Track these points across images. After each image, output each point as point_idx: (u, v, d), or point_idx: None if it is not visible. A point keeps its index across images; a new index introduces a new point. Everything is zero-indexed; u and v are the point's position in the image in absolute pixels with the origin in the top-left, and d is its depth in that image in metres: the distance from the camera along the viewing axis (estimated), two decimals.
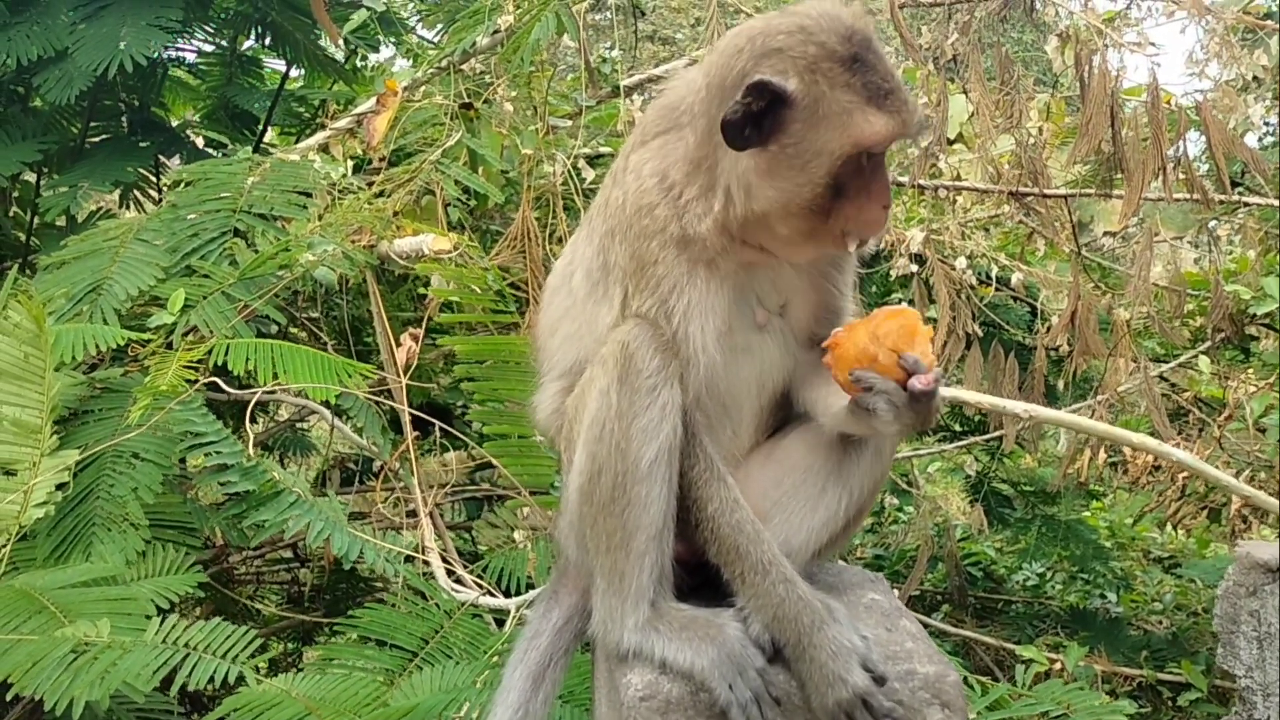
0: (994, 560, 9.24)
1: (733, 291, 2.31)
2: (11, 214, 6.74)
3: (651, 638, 2.19)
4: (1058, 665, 5.84)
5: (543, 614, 2.55)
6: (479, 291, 3.92)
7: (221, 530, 4.60)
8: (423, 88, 4.91)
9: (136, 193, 6.44)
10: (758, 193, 2.24)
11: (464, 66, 4.97)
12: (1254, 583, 2.70)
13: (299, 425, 7.03)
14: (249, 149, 5.31)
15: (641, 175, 2.32)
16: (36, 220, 6.46)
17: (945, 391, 4.90)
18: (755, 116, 2.19)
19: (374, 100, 4.84)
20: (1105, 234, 9.08)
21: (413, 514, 4.61)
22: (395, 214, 4.55)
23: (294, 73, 7.00)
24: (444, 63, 4.97)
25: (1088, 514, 9.42)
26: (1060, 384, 7.54)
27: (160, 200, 6.40)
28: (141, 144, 6.20)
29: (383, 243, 4.50)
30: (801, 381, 2.36)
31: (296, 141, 6.73)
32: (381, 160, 4.74)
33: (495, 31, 4.89)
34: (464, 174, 4.50)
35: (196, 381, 3.84)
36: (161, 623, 3.18)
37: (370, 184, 4.75)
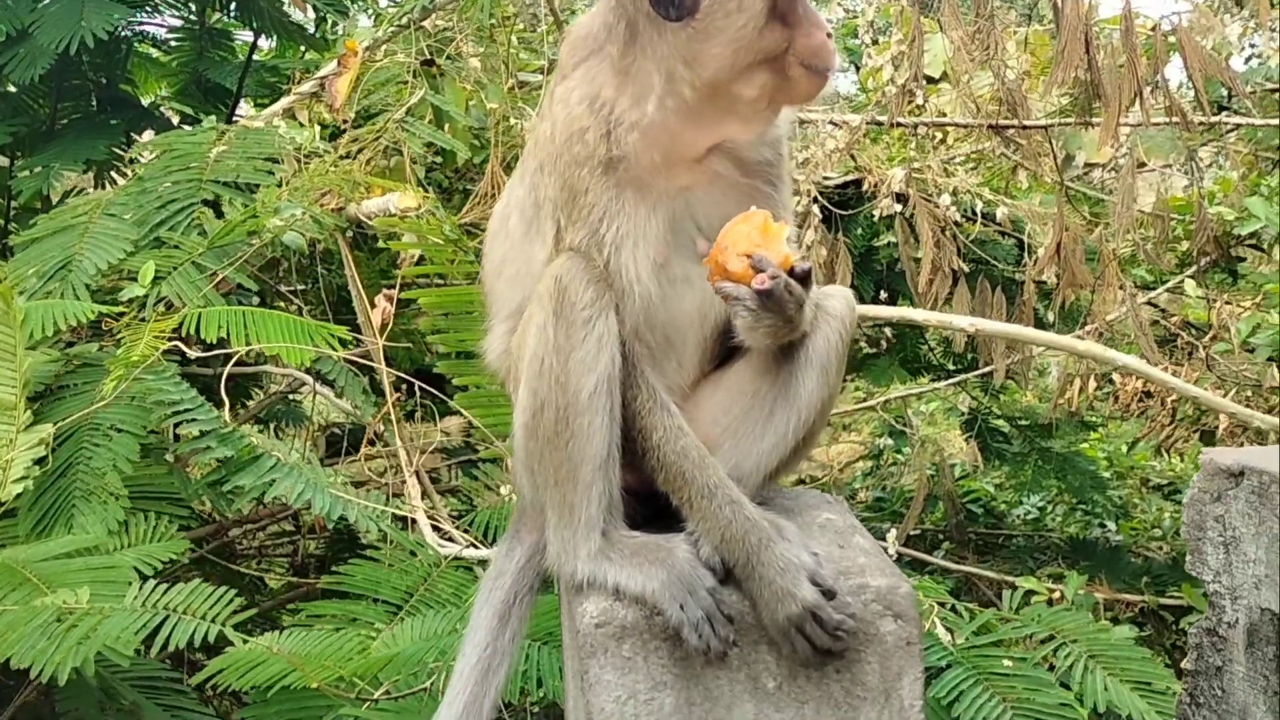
0: (993, 496, 9.28)
1: (667, 219, 2.30)
2: None
3: (604, 565, 2.20)
4: (1058, 594, 5.88)
5: (505, 553, 2.56)
6: (440, 244, 3.92)
7: (210, 501, 4.63)
8: (384, 47, 4.89)
9: (112, 172, 6.44)
10: (705, 58, 2.24)
11: (425, 23, 4.94)
12: (1218, 489, 2.70)
13: (291, 397, 7.06)
14: (219, 120, 5.29)
15: (569, 103, 2.31)
16: (12, 205, 6.46)
17: (890, 312, 4.85)
18: None
19: (335, 62, 4.81)
20: (1089, 165, 9.02)
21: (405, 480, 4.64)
22: (364, 175, 4.54)
23: (265, 44, 6.96)
24: (404, 20, 4.94)
25: (1085, 445, 9.43)
26: (1050, 316, 7.53)
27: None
28: (111, 122, 6.18)
29: (351, 205, 4.49)
30: None
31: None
32: (345, 122, 4.72)
33: None
34: (429, 131, 4.49)
35: (169, 351, 3.86)
36: (141, 587, 3.21)
37: (337, 147, 4.73)
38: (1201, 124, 6.80)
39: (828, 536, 2.32)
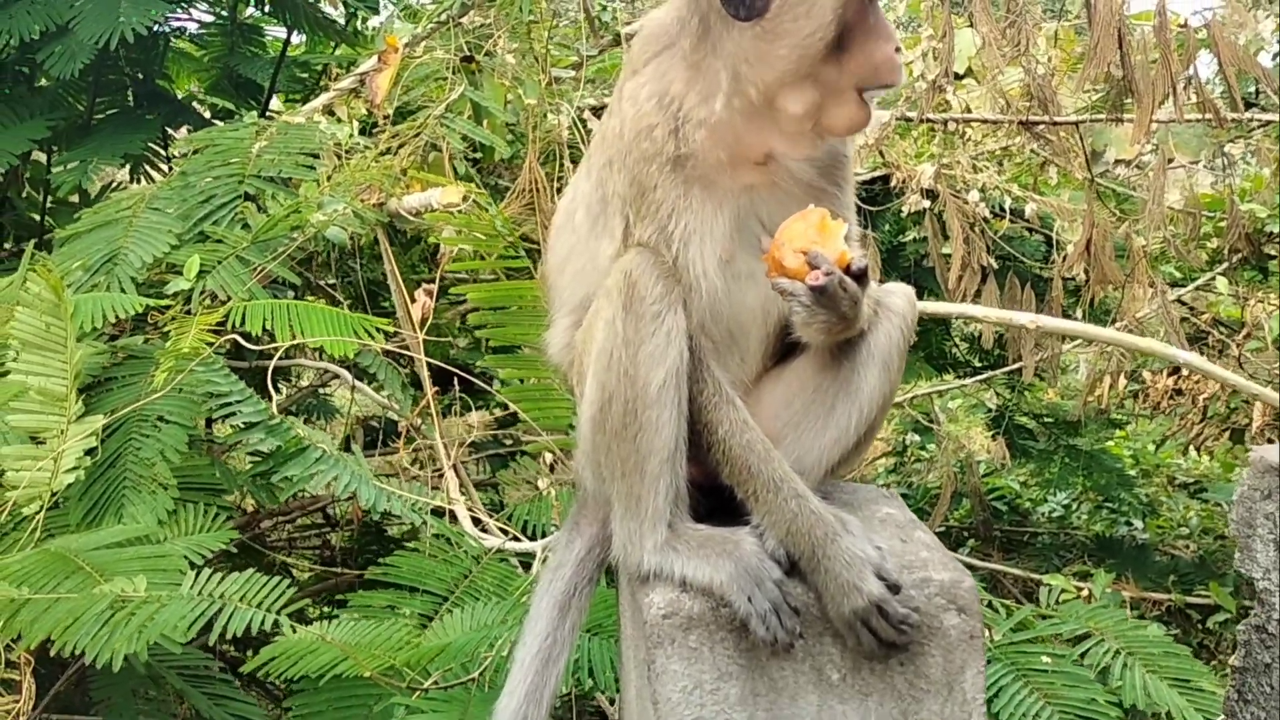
0: (1018, 494, 9.27)
1: (733, 216, 2.32)
2: (25, 195, 6.81)
3: (670, 557, 2.22)
4: (1085, 593, 5.88)
5: (565, 545, 2.59)
6: (487, 239, 3.94)
7: (251, 492, 4.67)
8: (423, 43, 4.92)
9: (146, 166, 6.50)
10: (771, 59, 2.25)
11: (463, 20, 4.97)
12: (1268, 486, 2.71)
13: (321, 391, 7.10)
14: (255, 115, 5.33)
15: (638, 100, 2.33)
16: (50, 199, 6.54)
17: (950, 308, 4.85)
18: None
19: (375, 58, 4.85)
20: (1118, 161, 8.99)
21: (439, 473, 4.68)
22: (403, 171, 4.57)
23: (296, 39, 7.00)
24: (443, 17, 4.97)
25: (1111, 443, 9.42)
26: (1078, 313, 7.53)
27: (170, 171, 6.46)
28: (148, 117, 6.22)
29: (391, 200, 4.52)
30: None
31: (301, 106, 6.77)
32: (386, 118, 4.76)
33: None
34: (469, 127, 4.52)
35: (216, 344, 3.90)
36: (196, 576, 3.25)
37: (376, 142, 4.77)
38: (1234, 120, 6.78)
39: (889, 530, 2.34)
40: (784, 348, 2.45)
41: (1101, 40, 6.32)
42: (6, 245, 6.68)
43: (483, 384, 4.92)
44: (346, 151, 4.68)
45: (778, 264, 2.18)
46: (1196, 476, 9.68)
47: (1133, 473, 9.12)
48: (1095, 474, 8.33)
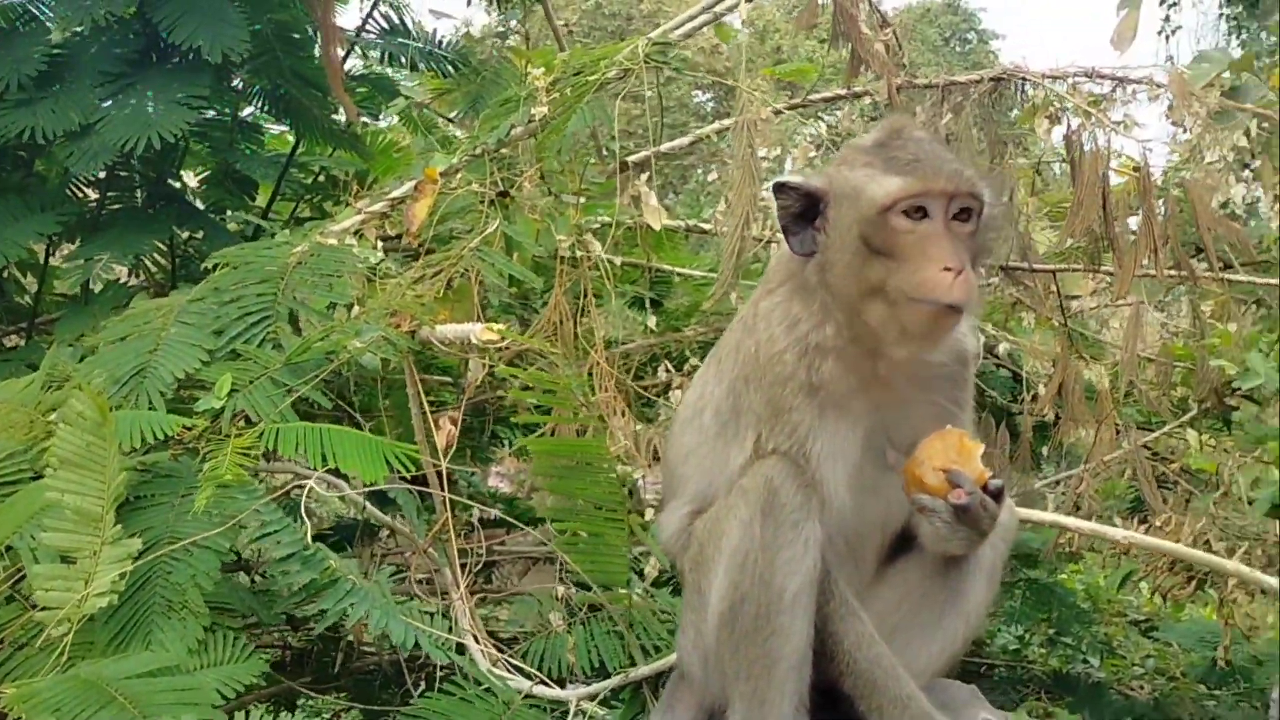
0: None
1: (865, 434, 2.43)
2: (11, 278, 6.77)
3: None
4: None
5: None
6: (558, 397, 3.98)
7: (258, 611, 4.61)
8: (459, 174, 5.03)
9: (146, 261, 6.49)
10: (835, 288, 2.43)
11: (500, 152, 5.09)
12: None
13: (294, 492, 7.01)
14: (285, 231, 5.37)
15: (771, 323, 2.47)
16: (45, 289, 6.51)
17: (1045, 517, 4.99)
18: (799, 218, 2.42)
19: (411, 185, 4.94)
20: (1070, 297, 9.28)
21: (440, 593, 4.67)
22: (434, 300, 4.63)
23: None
24: (478, 150, 5.09)
25: (1064, 576, 9.55)
26: (1044, 450, 7.73)
27: (173, 271, 6.47)
28: (158, 216, 6.25)
29: (424, 328, 4.57)
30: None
31: (296, 210, 6.88)
32: (421, 246, 4.83)
33: (530, 121, 5.02)
34: (505, 262, 4.61)
35: (257, 470, 3.88)
36: (246, 718, 3.21)
37: (408, 268, 4.83)
38: (1212, 279, 7.10)
39: None
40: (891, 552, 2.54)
41: (1086, 199, 6.63)
42: None
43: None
44: (379, 276, 4.74)
45: (918, 480, 2.29)
46: (1147, 614, 9.83)
47: (1085, 605, 9.25)
48: (1054, 608, 8.42)
